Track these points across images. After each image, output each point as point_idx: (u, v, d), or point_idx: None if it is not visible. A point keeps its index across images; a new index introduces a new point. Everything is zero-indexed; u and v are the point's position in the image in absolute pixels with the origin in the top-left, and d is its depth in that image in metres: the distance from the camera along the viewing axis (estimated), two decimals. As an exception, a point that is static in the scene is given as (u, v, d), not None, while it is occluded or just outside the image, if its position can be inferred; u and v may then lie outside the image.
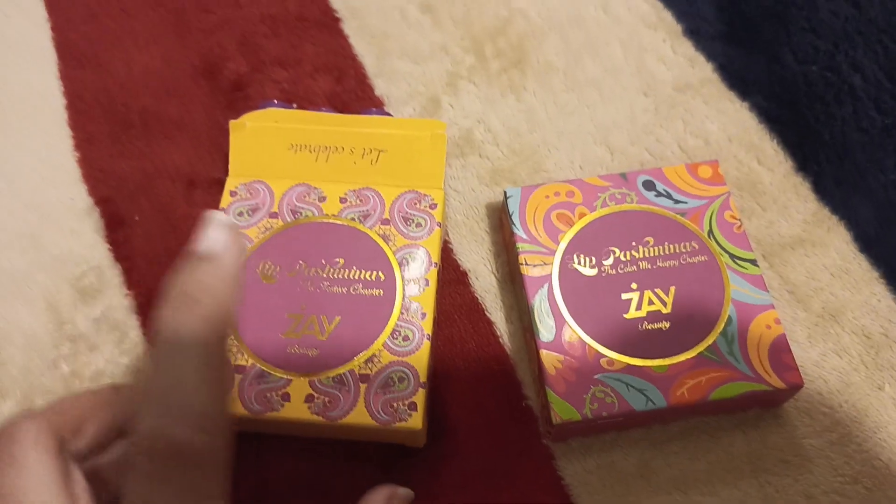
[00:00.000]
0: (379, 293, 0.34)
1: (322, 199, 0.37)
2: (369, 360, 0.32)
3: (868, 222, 0.39)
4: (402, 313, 0.33)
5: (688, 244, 0.36)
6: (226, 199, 0.37)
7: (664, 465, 0.34)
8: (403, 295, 0.34)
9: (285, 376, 0.32)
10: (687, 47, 0.45)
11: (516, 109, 0.44)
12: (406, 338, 0.33)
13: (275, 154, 0.38)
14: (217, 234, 0.23)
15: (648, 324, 0.34)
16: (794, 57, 0.44)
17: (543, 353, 0.33)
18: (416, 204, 0.37)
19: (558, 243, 0.36)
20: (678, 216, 0.37)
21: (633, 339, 0.34)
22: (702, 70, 0.44)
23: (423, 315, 0.34)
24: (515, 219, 0.37)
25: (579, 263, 0.36)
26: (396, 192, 0.37)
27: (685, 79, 0.44)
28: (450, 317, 0.38)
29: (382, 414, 0.31)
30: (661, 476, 0.33)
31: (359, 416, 0.31)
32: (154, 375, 0.20)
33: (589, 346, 0.34)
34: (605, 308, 0.34)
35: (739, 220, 0.36)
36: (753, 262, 0.35)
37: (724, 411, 0.35)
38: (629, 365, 0.33)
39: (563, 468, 0.34)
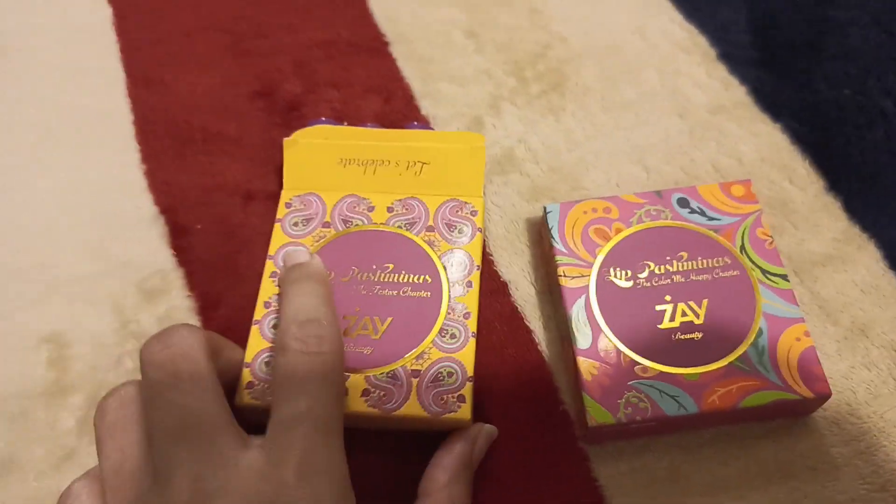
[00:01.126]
0: (427, 295, 0.36)
1: (371, 209, 0.39)
2: (419, 356, 0.35)
3: (898, 241, 0.40)
4: (448, 313, 0.36)
5: (720, 259, 0.37)
6: (281, 210, 0.40)
7: (695, 470, 0.35)
8: (449, 296, 0.36)
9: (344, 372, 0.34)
10: (721, 71, 0.47)
11: (555, 130, 0.46)
12: (453, 336, 0.35)
13: (326, 168, 0.41)
14: (300, 251, 0.36)
15: (681, 334, 0.36)
16: (826, 82, 0.46)
17: (580, 359, 0.35)
18: (457, 211, 0.39)
19: (595, 256, 0.38)
20: (711, 232, 0.38)
21: (667, 348, 0.35)
22: (735, 93, 0.46)
23: (468, 314, 0.36)
24: (555, 233, 0.39)
25: (615, 276, 0.37)
26: (439, 201, 0.39)
27: (719, 101, 0.46)
28: (490, 325, 0.40)
29: (434, 406, 0.33)
30: (691, 480, 0.35)
31: (412, 408, 0.33)
32: (286, 301, 0.32)
33: (624, 353, 0.35)
34: (639, 318, 0.36)
35: (771, 236, 0.38)
36: (784, 276, 0.37)
37: (753, 420, 0.36)
38: (662, 372, 0.35)
39: (597, 470, 0.36)
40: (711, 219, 0.39)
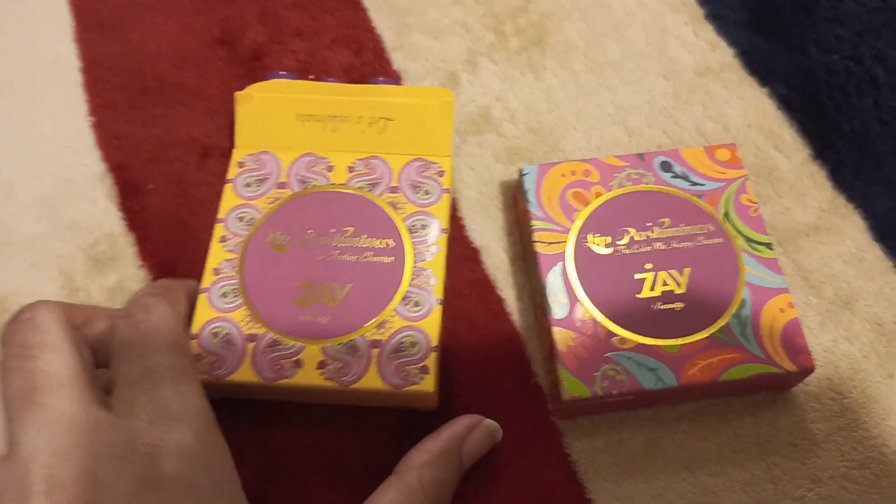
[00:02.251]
0: (390, 260, 0.34)
1: (330, 168, 0.37)
2: (380, 325, 0.32)
3: (884, 213, 0.39)
4: (412, 279, 0.34)
5: (703, 226, 0.36)
6: (233, 170, 0.37)
7: (672, 445, 0.34)
8: (414, 262, 0.34)
9: (297, 343, 0.32)
10: (708, 32, 0.45)
11: (535, 88, 0.43)
12: (417, 304, 0.33)
13: (282, 125, 0.38)
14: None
15: (662, 304, 0.34)
16: (817, 46, 0.44)
17: (555, 330, 0.33)
18: (423, 171, 0.37)
19: (573, 222, 0.36)
20: (694, 198, 0.36)
21: (646, 319, 0.34)
22: (723, 55, 0.44)
23: (434, 281, 0.34)
24: (531, 196, 0.37)
25: (594, 242, 0.36)
26: (404, 161, 0.37)
27: (706, 63, 0.44)
28: (460, 293, 0.38)
29: (395, 378, 0.31)
30: (669, 455, 0.34)
31: (371, 380, 0.31)
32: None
33: (601, 324, 0.34)
34: (618, 287, 0.34)
35: (756, 203, 0.36)
36: (769, 245, 0.35)
37: (734, 394, 0.35)
38: (641, 344, 0.33)
39: (570, 445, 0.34)
40: (695, 184, 0.37)
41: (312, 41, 0.45)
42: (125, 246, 0.39)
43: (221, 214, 0.36)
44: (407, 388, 0.31)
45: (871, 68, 0.43)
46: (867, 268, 0.37)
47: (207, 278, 0.34)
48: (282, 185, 0.36)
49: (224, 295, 0.34)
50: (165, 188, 0.41)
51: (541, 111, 0.43)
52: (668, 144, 0.41)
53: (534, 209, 0.36)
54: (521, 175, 0.37)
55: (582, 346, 0.33)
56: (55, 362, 0.25)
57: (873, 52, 0.44)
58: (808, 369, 0.32)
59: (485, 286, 0.38)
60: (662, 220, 0.36)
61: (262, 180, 0.37)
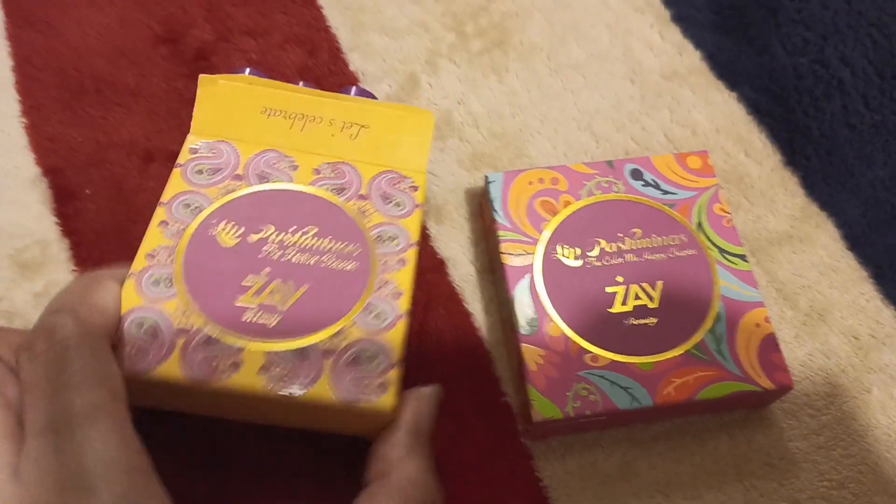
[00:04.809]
0: (352, 267, 0.31)
1: (294, 167, 0.34)
2: (337, 334, 0.30)
3: (856, 220, 0.38)
4: (376, 289, 0.31)
5: (676, 237, 0.34)
6: (184, 155, 0.33)
7: (647, 467, 0.32)
8: (379, 271, 0.31)
9: (238, 342, 0.29)
10: (675, 34, 0.44)
11: (498, 91, 0.41)
12: (379, 315, 0.30)
13: (245, 116, 0.35)
14: None
15: (634, 319, 0.32)
16: (784, 48, 0.43)
17: (524, 347, 0.32)
18: (395, 184, 0.34)
19: (541, 232, 0.34)
20: (666, 207, 0.35)
21: (619, 335, 0.32)
22: (690, 58, 0.43)
23: (399, 294, 0.31)
24: (497, 205, 0.35)
25: (563, 254, 0.34)
26: (375, 171, 0.34)
27: (672, 66, 0.43)
28: (426, 307, 0.36)
29: (350, 391, 0.28)
30: (643, 478, 0.32)
31: (321, 391, 0.28)
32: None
33: (572, 340, 0.32)
34: (589, 301, 0.33)
35: (729, 213, 0.35)
36: (743, 257, 0.34)
37: (709, 412, 0.33)
38: (614, 361, 0.31)
39: (541, 468, 0.32)
40: (666, 192, 0.35)
41: (263, 40, 0.42)
42: (58, 252, 0.36)
43: (165, 198, 0.32)
44: (362, 405, 0.28)
45: (837, 72, 0.42)
46: (841, 278, 0.36)
47: (139, 262, 0.30)
48: (238, 178, 0.33)
49: (156, 282, 0.30)
50: (103, 193, 0.38)
51: (504, 115, 0.41)
52: (636, 150, 0.40)
53: (500, 219, 0.34)
54: (487, 183, 0.35)
55: (552, 363, 0.31)
56: None
57: (839, 55, 0.43)
58: (786, 387, 0.31)
59: (451, 299, 0.36)
60: (634, 230, 0.34)
61: (216, 170, 0.33)
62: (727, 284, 0.33)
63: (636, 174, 0.36)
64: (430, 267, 0.36)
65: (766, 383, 0.31)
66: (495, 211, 0.35)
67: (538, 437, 0.33)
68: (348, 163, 0.34)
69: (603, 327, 0.32)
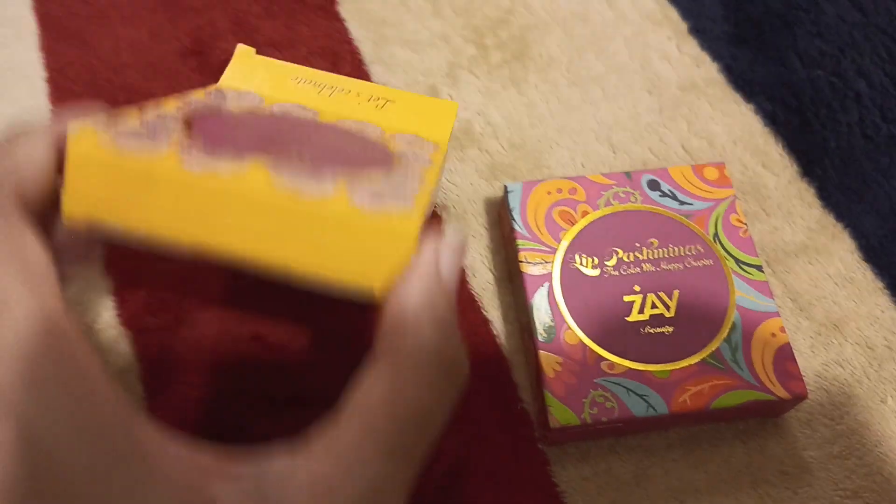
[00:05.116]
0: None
1: (316, 115, 0.33)
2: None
3: (873, 232, 0.38)
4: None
5: (693, 247, 0.35)
6: (200, 94, 0.31)
7: (662, 474, 0.33)
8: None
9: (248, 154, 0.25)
10: (692, 46, 0.44)
11: (518, 103, 0.42)
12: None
13: (275, 80, 0.35)
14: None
15: (651, 328, 0.33)
16: (801, 61, 0.44)
17: (542, 354, 0.32)
18: (415, 143, 0.33)
19: (560, 241, 0.35)
20: (683, 218, 0.36)
21: (635, 343, 0.33)
22: (707, 70, 0.43)
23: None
24: (516, 215, 0.36)
25: (581, 263, 0.34)
26: (398, 132, 0.34)
27: (690, 78, 0.43)
28: (444, 314, 0.36)
29: (369, 200, 0.22)
30: (658, 485, 0.32)
31: (339, 196, 0.21)
32: None
33: (589, 348, 0.32)
34: (606, 310, 0.33)
35: (745, 224, 0.35)
36: (759, 267, 0.34)
37: (724, 420, 0.34)
38: (630, 369, 0.32)
39: (557, 474, 0.33)
40: (683, 203, 0.36)
41: (288, 52, 0.44)
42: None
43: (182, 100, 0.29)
44: (382, 215, 0.21)
45: (854, 84, 0.43)
46: (857, 289, 0.37)
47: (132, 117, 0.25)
48: (261, 110, 0.32)
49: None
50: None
51: (524, 126, 0.42)
52: (654, 161, 0.41)
53: (519, 228, 0.35)
54: (506, 192, 0.36)
55: (570, 371, 0.32)
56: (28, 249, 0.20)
57: (856, 67, 0.43)
58: (800, 396, 0.31)
59: (470, 307, 0.37)
60: (651, 240, 0.35)
61: (243, 97, 0.33)
62: (743, 294, 0.34)
63: (653, 185, 0.37)
64: (449, 275, 0.37)
65: (781, 392, 0.31)
66: (514, 220, 0.35)
67: (555, 443, 0.34)
68: (371, 124, 0.34)
69: (620, 335, 0.33)
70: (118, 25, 0.44)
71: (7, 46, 0.44)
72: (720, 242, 0.35)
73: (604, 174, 0.37)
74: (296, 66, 0.36)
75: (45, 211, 0.22)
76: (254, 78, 0.35)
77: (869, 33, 0.45)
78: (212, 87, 0.34)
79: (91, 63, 0.43)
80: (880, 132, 0.41)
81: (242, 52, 0.36)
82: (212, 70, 0.43)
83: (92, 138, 0.22)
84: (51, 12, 0.45)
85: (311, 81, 0.36)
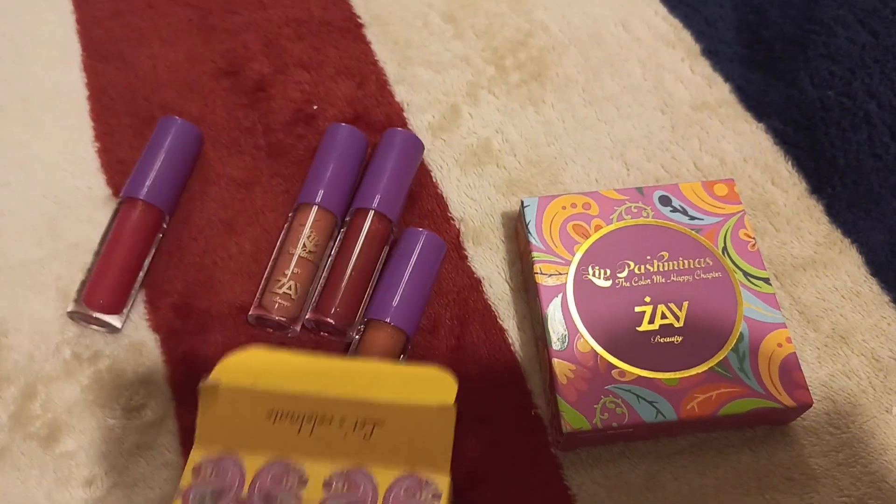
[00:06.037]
0: None
1: (302, 482, 0.31)
2: None
3: (880, 247, 0.40)
4: None
5: (702, 260, 0.36)
6: (186, 478, 0.31)
7: (671, 479, 0.34)
8: None
9: None
10: (705, 67, 0.46)
11: (535, 121, 0.44)
12: None
13: (250, 422, 0.32)
14: None
15: (661, 337, 0.34)
16: (811, 82, 0.45)
17: (555, 361, 0.34)
18: (415, 494, 0.30)
19: (573, 254, 0.36)
20: (693, 232, 0.37)
21: (646, 352, 0.34)
22: (719, 90, 0.45)
23: None
24: (532, 228, 0.37)
25: (594, 275, 0.36)
26: (392, 477, 0.31)
27: (702, 98, 0.45)
28: (462, 323, 0.38)
29: None
30: (668, 489, 0.34)
31: None
32: None
33: (601, 356, 0.34)
34: (618, 320, 0.35)
35: (754, 238, 0.37)
36: (766, 280, 0.35)
37: (732, 427, 0.35)
38: (640, 377, 0.33)
39: (570, 478, 0.34)
40: (693, 218, 0.37)
41: (316, 72, 0.46)
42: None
43: None
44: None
45: (863, 104, 0.44)
46: (863, 302, 0.38)
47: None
48: (241, 502, 0.30)
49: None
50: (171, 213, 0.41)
51: (540, 144, 0.43)
52: (666, 178, 0.42)
53: (535, 241, 0.37)
54: (523, 207, 0.38)
55: (582, 378, 0.33)
56: None
57: (866, 88, 0.45)
58: (806, 404, 0.33)
59: (486, 316, 0.38)
60: (662, 253, 0.36)
61: (218, 493, 0.31)
62: (751, 306, 0.35)
63: (665, 200, 0.38)
64: (466, 285, 0.39)
65: (787, 400, 0.33)
66: (530, 233, 0.37)
67: (567, 448, 0.35)
68: (363, 469, 0.31)
69: (630, 344, 0.34)
70: (156, 47, 0.47)
71: (53, 67, 0.46)
72: (729, 256, 0.36)
73: (617, 190, 0.38)
74: (267, 389, 0.31)
75: None
76: (228, 427, 0.32)
77: (879, 55, 0.46)
78: (192, 461, 0.31)
79: (130, 82, 0.46)
80: (889, 151, 0.42)
81: (207, 392, 0.32)
82: (243, 90, 0.45)
83: None
84: (93, 35, 0.47)
85: (288, 414, 0.32)
